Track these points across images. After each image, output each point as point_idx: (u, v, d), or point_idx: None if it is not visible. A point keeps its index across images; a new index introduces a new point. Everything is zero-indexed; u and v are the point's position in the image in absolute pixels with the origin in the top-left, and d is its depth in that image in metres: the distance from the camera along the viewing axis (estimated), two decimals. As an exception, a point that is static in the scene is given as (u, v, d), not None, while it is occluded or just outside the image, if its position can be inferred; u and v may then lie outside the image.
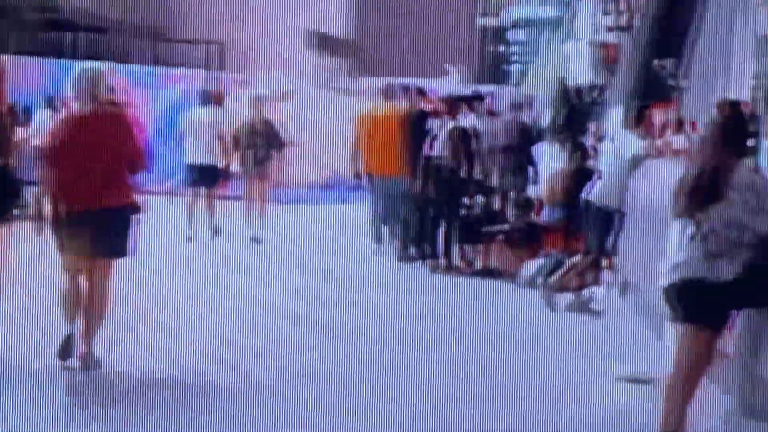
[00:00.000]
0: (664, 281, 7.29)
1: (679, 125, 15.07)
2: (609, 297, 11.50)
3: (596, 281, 11.82)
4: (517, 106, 16.01)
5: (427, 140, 13.84)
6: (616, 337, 10.09)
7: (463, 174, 13.79)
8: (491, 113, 14.85)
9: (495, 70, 24.18)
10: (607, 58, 18.22)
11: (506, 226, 13.84)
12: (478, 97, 14.50)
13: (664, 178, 9.75)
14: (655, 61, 16.38)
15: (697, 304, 7.15)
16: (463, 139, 13.74)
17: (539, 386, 8.54)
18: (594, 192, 11.86)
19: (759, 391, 7.61)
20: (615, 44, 18.81)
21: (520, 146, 15.14)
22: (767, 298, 7.33)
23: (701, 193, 7.20)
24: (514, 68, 24.32)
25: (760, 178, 7.30)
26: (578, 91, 18.05)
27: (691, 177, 7.35)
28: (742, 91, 14.42)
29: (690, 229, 7.26)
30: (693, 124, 15.52)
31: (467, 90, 16.28)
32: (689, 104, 15.61)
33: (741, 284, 7.13)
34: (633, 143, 11.72)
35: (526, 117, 15.88)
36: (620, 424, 7.81)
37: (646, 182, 11.28)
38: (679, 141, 14.51)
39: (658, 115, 13.97)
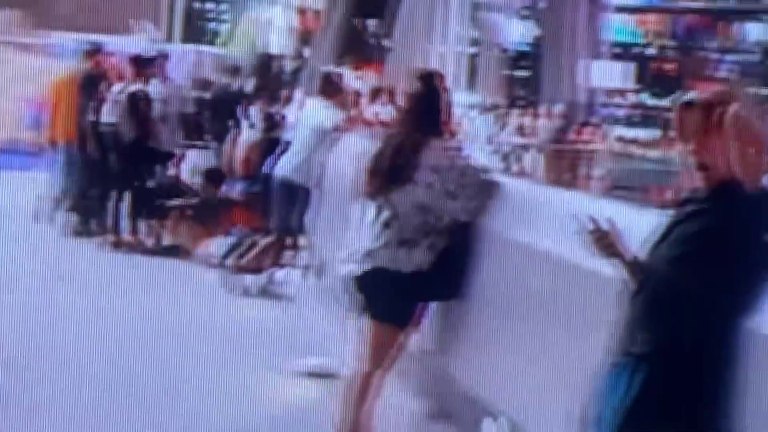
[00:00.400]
0: (344, 270, 6.73)
1: (377, 94, 14.44)
2: (295, 281, 10.60)
3: (279, 262, 10.89)
4: (230, 71, 14.93)
5: (95, 104, 12.76)
6: (301, 326, 9.21)
7: (150, 143, 12.65)
8: (166, 77, 13.74)
9: (198, 29, 22.95)
10: (305, 25, 17.45)
11: (194, 200, 12.75)
12: (149, 59, 13.36)
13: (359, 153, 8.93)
14: (357, 21, 15.68)
15: (382, 296, 6.61)
16: (137, 103, 12.60)
17: (198, 380, 7.57)
18: (278, 165, 10.91)
19: (449, 392, 6.87)
20: (317, 10, 18.04)
21: (206, 115, 14.14)
22: (458, 290, 6.59)
23: (384, 174, 6.43)
24: (223, 28, 23.11)
25: (457, 159, 6.55)
26: (275, 57, 17.22)
27: (383, 149, 6.56)
28: (447, 59, 13.93)
29: (380, 214, 6.48)
30: (390, 93, 14.98)
31: (156, 49, 15.13)
32: (391, 70, 14.99)
33: (430, 275, 6.39)
34: (322, 113, 10.80)
35: (237, 83, 14.82)
36: (291, 424, 6.92)
37: (343, 157, 10.42)
38: (386, 111, 13.92)
39: (354, 81, 13.24)
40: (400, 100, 6.97)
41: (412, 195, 6.57)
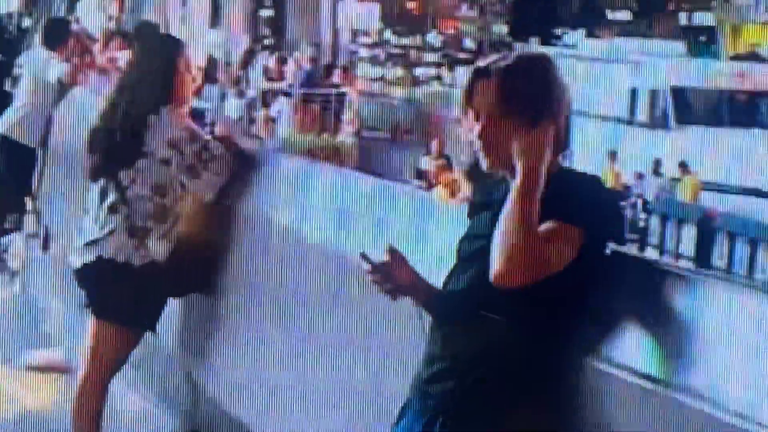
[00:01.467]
0: (75, 259, 5.46)
1: (112, 37, 12.97)
2: (20, 251, 9.11)
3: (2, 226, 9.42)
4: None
5: None
6: (30, 309, 7.80)
7: None
8: None
9: None
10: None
11: None
12: None
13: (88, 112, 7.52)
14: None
15: (107, 292, 5.38)
16: None
17: None
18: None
19: (200, 403, 5.63)
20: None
21: None
22: (204, 284, 5.39)
23: (106, 147, 5.40)
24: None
25: (198, 130, 5.31)
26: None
27: (104, 120, 5.28)
28: None
29: (104, 197, 5.16)
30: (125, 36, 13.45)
31: None
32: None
33: (168, 267, 5.39)
34: (41, 63, 9.35)
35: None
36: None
37: (68, 115, 8.94)
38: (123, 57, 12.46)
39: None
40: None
41: (143, 173, 5.28)
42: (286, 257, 4.94)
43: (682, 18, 41.94)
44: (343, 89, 19.17)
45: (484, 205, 3.43)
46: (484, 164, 3.33)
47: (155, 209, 5.32)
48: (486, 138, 3.26)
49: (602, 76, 21.63)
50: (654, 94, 20.27)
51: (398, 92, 30.13)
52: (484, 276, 3.13)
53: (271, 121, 18.04)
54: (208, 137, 5.44)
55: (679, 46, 23.75)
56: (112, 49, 13.59)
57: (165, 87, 5.32)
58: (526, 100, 3.24)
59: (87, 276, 5.39)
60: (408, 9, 45.72)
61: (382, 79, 32.71)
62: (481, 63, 3.35)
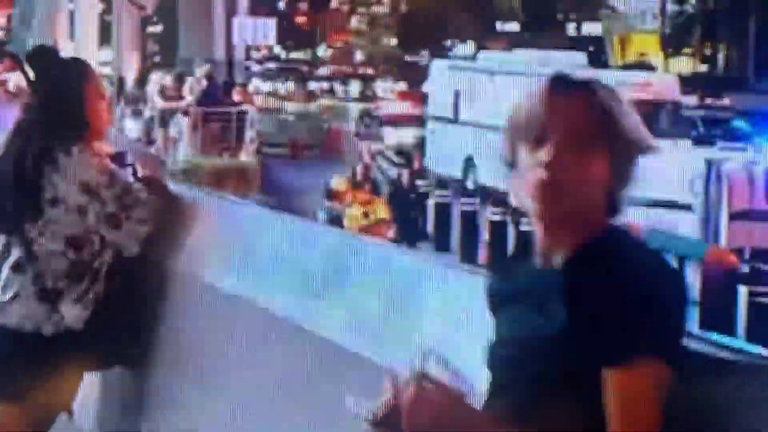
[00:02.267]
0: None
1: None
2: None
3: None
4: None
5: None
6: None
7: None
8: None
9: None
10: None
11: None
12: None
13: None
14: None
15: (12, 368, 4.36)
16: None
17: None
18: None
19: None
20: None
21: None
22: (129, 354, 4.41)
23: (7, 194, 4.38)
24: None
25: (118, 172, 4.34)
26: None
27: (2, 160, 4.35)
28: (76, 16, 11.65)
29: (6, 254, 4.17)
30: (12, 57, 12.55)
31: None
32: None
33: (86, 336, 4.35)
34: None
35: None
36: None
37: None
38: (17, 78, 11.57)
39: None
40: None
41: (53, 224, 4.31)
42: (230, 326, 4.01)
43: (571, 29, 41.78)
44: (244, 107, 18.22)
45: (509, 297, 2.52)
46: (533, 207, 2.41)
47: (69, 267, 4.34)
48: (555, 171, 2.35)
49: (502, 88, 20.95)
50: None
51: (292, 107, 29.28)
52: (532, 404, 2.28)
53: (171, 141, 17.00)
54: (130, 179, 4.48)
55: (580, 57, 23.17)
56: (0, 71, 12.54)
57: (75, 120, 4.36)
58: (618, 125, 2.37)
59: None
60: (297, 23, 44.93)
61: (275, 94, 31.85)
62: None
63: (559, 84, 2.42)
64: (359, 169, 15.42)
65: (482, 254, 16.26)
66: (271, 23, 24.56)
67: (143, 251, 4.40)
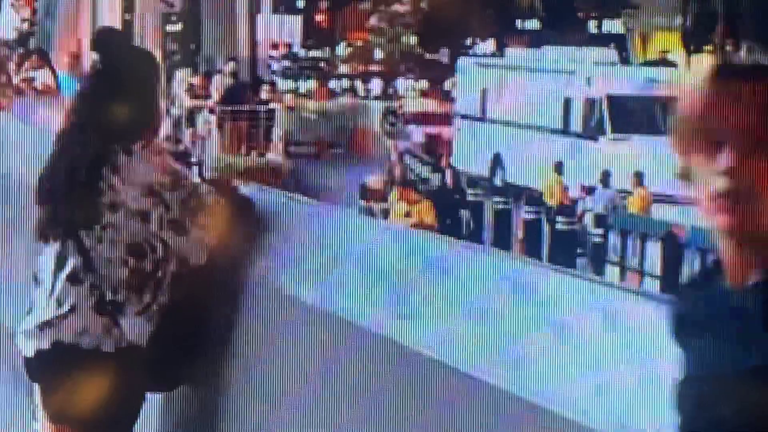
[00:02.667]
0: (26, 345, 3.98)
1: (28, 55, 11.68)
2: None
3: None
4: None
5: None
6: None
7: None
8: None
9: None
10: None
11: None
12: None
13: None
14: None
15: (68, 388, 3.91)
16: None
17: None
18: None
19: None
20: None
21: None
22: (194, 373, 4.01)
23: (62, 199, 3.95)
24: None
25: (182, 173, 3.90)
26: None
27: (56, 160, 3.92)
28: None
29: (62, 264, 3.94)
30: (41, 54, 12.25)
31: None
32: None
33: (150, 353, 3.95)
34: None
35: None
36: None
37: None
38: (42, 76, 11.27)
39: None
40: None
41: (113, 231, 3.88)
42: (312, 342, 3.57)
43: (591, 26, 41.27)
44: (272, 105, 17.75)
45: (698, 325, 2.08)
46: (719, 222, 1.98)
47: (131, 277, 3.91)
48: (739, 177, 1.93)
49: (533, 85, 20.50)
50: (589, 104, 19.13)
51: (313, 106, 28.88)
52: None
53: (200, 139, 16.60)
54: (196, 180, 4.05)
55: (612, 54, 22.70)
56: (27, 68, 12.16)
57: (141, 117, 3.93)
58: None
59: (41, 367, 3.98)
60: (316, 22, 44.50)
61: (296, 92, 31.46)
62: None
63: (728, 75, 1.99)
64: (396, 169, 15.01)
65: (515, 252, 15.86)
66: (297, 21, 24.10)
67: (211, 260, 3.97)
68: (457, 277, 3.23)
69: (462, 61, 24.35)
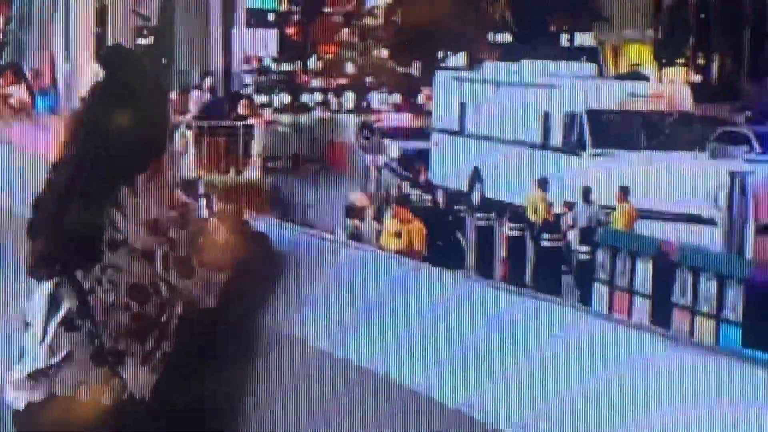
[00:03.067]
0: (15, 396, 3.55)
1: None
2: None
3: None
4: None
5: None
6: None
7: None
8: None
9: None
10: None
11: None
12: None
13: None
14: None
15: None
16: None
17: None
18: None
19: None
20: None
21: None
22: (205, 428, 3.58)
23: (56, 234, 3.52)
24: None
25: (190, 207, 3.48)
26: None
27: (50, 191, 3.48)
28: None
29: (55, 307, 3.51)
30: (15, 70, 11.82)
31: None
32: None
33: (154, 406, 3.53)
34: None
35: None
36: None
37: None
38: (17, 92, 10.85)
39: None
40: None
41: (114, 272, 3.47)
42: (343, 401, 3.17)
43: (564, 39, 41.02)
44: (251, 121, 17.32)
45: None
46: None
47: (133, 323, 3.50)
48: None
49: (511, 99, 20.15)
50: (568, 118, 18.78)
51: (287, 120, 28.45)
52: None
53: (177, 156, 16.16)
54: (204, 214, 3.64)
55: (590, 68, 22.38)
56: (2, 85, 11.76)
57: (149, 146, 3.52)
58: None
59: (33, 421, 3.56)
60: (287, 35, 44.09)
61: (269, 106, 31.03)
62: None
63: None
64: (374, 184, 14.61)
65: (499, 270, 15.50)
66: (273, 34, 23.71)
67: (223, 303, 3.56)
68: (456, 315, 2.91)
69: (439, 75, 23.98)
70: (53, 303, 3.55)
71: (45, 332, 3.54)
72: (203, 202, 3.65)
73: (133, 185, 3.49)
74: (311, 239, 3.58)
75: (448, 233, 14.82)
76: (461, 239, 15.21)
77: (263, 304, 3.54)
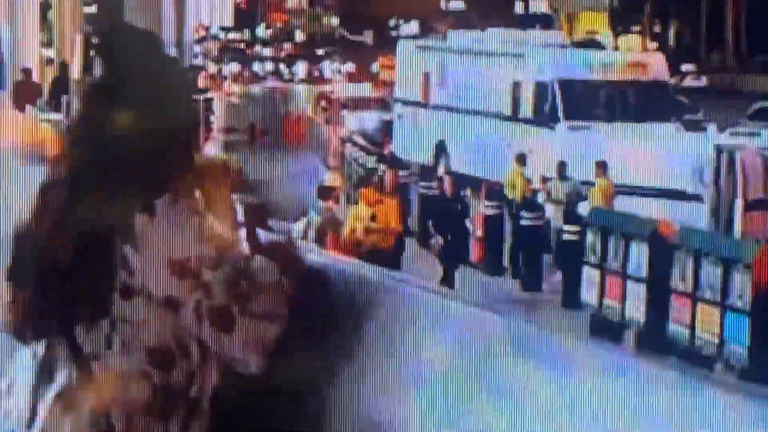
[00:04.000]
0: None
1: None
2: None
3: None
4: None
5: None
6: None
7: None
8: None
9: None
10: None
11: None
12: None
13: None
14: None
15: None
16: None
17: None
18: None
19: None
20: None
21: None
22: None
23: (50, 279, 2.62)
24: None
25: (228, 241, 2.52)
26: None
27: (36, 221, 2.48)
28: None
29: (61, 371, 2.38)
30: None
31: None
32: None
33: None
34: None
35: None
36: None
37: None
38: None
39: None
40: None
41: (128, 329, 2.54)
42: None
43: (518, 7, 40.17)
44: (210, 94, 16.24)
45: None
46: None
47: (152, 397, 2.56)
48: None
49: (478, 69, 19.22)
50: (539, 88, 17.88)
51: (239, 90, 27.36)
52: None
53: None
54: (246, 250, 2.70)
55: (558, 36, 21.49)
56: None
57: (172, 158, 2.58)
58: None
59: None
60: (236, 3, 42.91)
61: (220, 75, 29.90)
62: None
63: None
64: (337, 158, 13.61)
65: (474, 251, 14.61)
66: (228, 2, 22.61)
67: (273, 367, 2.62)
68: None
69: (402, 44, 22.97)
70: (45, 371, 2.60)
71: (34, 410, 2.60)
72: (244, 232, 2.70)
73: (153, 212, 2.54)
74: (394, 284, 2.63)
75: (456, 222, 13.87)
76: (470, 227, 14.28)
77: (326, 368, 2.61)
